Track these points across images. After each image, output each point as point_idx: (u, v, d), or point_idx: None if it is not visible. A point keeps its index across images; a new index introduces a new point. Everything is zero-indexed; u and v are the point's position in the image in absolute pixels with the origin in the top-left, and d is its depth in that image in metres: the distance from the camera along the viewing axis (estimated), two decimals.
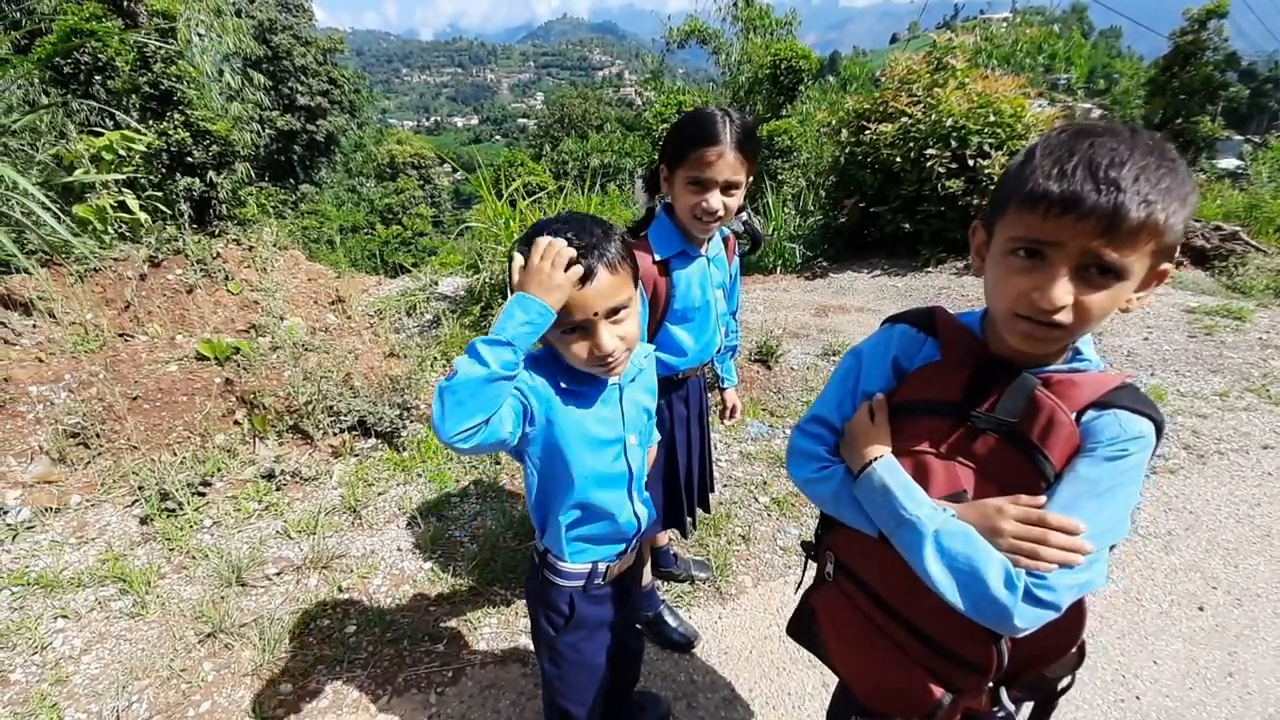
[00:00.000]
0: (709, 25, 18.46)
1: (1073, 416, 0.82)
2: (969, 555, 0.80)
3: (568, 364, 1.17)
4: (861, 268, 6.67)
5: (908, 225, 6.31)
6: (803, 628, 1.17)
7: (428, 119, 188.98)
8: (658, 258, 1.57)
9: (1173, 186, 0.71)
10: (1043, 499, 0.81)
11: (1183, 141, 10.52)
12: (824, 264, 6.98)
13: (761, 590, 2.39)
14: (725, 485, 2.93)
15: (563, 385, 1.18)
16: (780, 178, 10.81)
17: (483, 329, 3.75)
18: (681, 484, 1.84)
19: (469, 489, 2.89)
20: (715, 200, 1.48)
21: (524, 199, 4.17)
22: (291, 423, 3.11)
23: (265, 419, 3.08)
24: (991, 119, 5.82)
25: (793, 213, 8.51)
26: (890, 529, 0.87)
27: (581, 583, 1.33)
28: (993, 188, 0.83)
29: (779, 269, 7.25)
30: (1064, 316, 0.76)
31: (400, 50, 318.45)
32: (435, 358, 3.63)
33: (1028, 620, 0.77)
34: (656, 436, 1.53)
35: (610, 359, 1.13)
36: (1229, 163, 10.12)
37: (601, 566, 1.33)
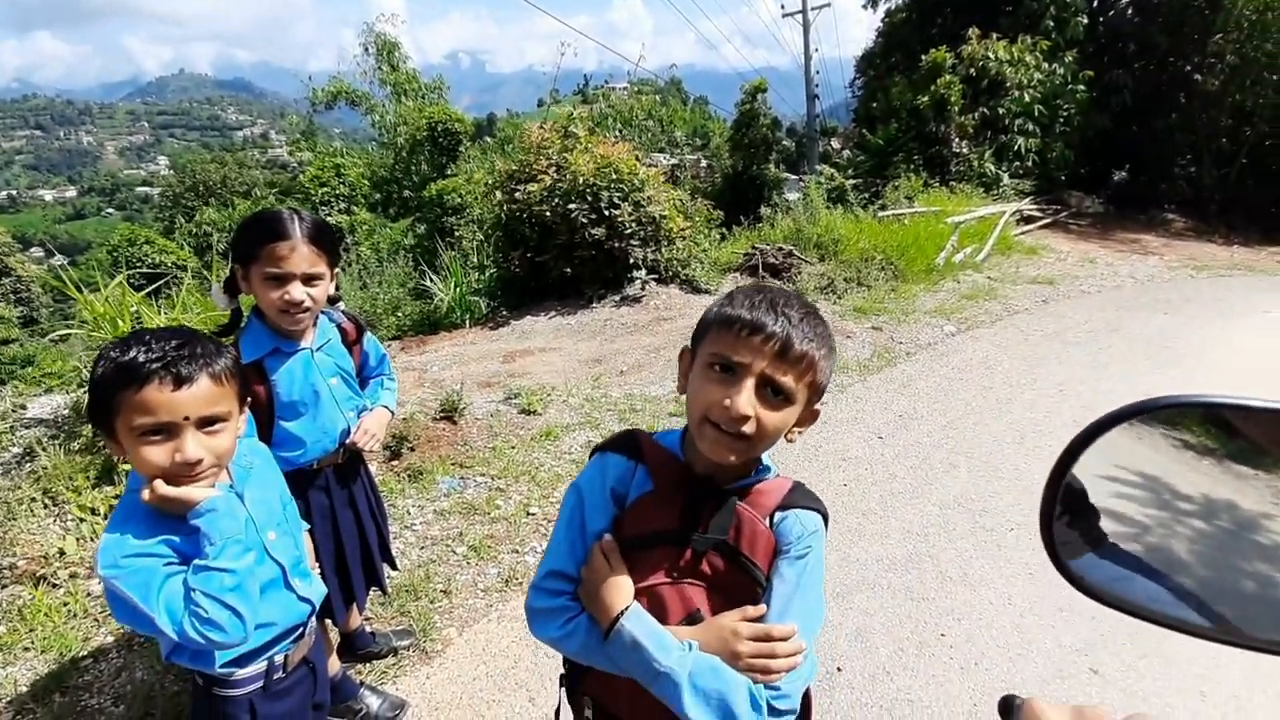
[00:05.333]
0: (356, 88, 18.09)
1: (767, 522, 0.98)
2: (719, 689, 0.88)
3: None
4: (539, 312, 7.26)
5: (569, 270, 7.12)
6: None
7: None
8: (246, 360, 1.57)
9: (823, 338, 0.94)
10: (763, 608, 0.94)
11: (759, 183, 13.91)
12: (505, 313, 7.44)
13: (467, 636, 2.52)
14: (422, 547, 2.99)
15: (178, 540, 1.15)
16: (458, 233, 11.11)
17: (97, 453, 3.15)
18: (348, 567, 1.89)
19: (106, 644, 2.43)
20: (298, 291, 1.55)
21: (135, 293, 3.61)
22: None
23: None
24: (615, 177, 6.96)
25: (473, 267, 8.83)
26: (647, 681, 0.91)
27: (261, 683, 1.29)
28: (701, 320, 1.01)
29: (467, 323, 7.45)
30: (748, 428, 0.89)
31: None
32: (33, 498, 2.93)
33: None
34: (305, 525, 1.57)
35: (195, 469, 1.13)
36: (795, 195, 13.53)
37: (280, 659, 1.32)
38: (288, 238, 1.52)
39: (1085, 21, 13.82)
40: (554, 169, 7.07)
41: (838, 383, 4.91)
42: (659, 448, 1.04)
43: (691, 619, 0.96)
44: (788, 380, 0.89)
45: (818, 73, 18.05)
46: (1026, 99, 12.40)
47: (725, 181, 14.93)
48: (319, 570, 1.58)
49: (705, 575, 0.97)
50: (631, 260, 7.07)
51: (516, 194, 7.24)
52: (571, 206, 6.79)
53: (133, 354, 1.08)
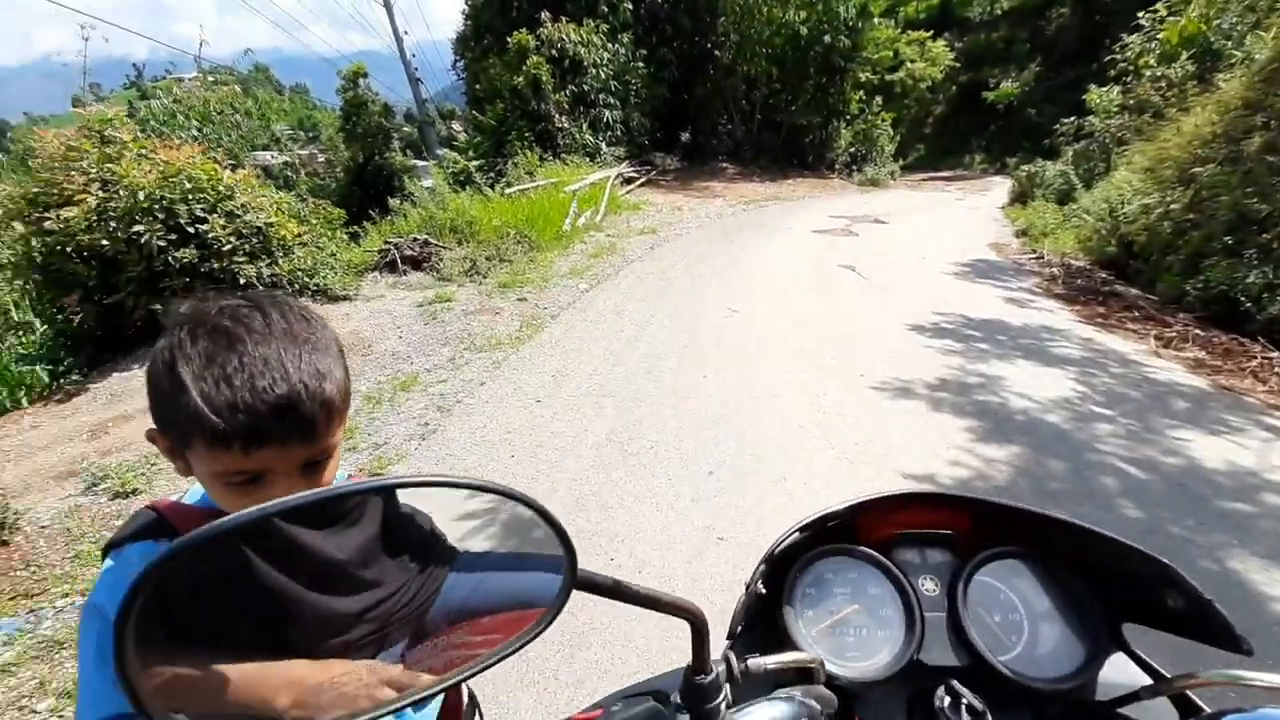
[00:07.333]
0: None
1: None
2: None
3: None
4: (132, 363, 5.88)
5: (159, 305, 5.85)
6: None
7: None
8: None
9: (322, 360, 0.71)
10: None
11: (387, 173, 13.18)
12: (80, 377, 5.82)
13: None
14: None
15: None
16: None
17: None
18: None
19: None
20: None
21: None
22: None
23: None
24: (190, 186, 5.88)
25: (11, 327, 6.67)
26: None
27: None
28: (148, 389, 0.72)
29: (23, 402, 5.62)
30: None
31: None
32: None
33: None
34: None
35: None
36: (429, 182, 13.06)
37: None
38: None
39: (631, 7, 16.27)
40: (97, 185, 5.66)
41: (494, 360, 5.15)
42: (190, 510, 0.83)
43: None
44: (324, 446, 0.72)
45: (414, 55, 17.71)
46: (603, 76, 14.21)
47: (348, 175, 13.77)
48: None
49: None
50: (243, 280, 6.15)
51: (47, 223, 5.60)
52: (138, 229, 5.56)
53: None
